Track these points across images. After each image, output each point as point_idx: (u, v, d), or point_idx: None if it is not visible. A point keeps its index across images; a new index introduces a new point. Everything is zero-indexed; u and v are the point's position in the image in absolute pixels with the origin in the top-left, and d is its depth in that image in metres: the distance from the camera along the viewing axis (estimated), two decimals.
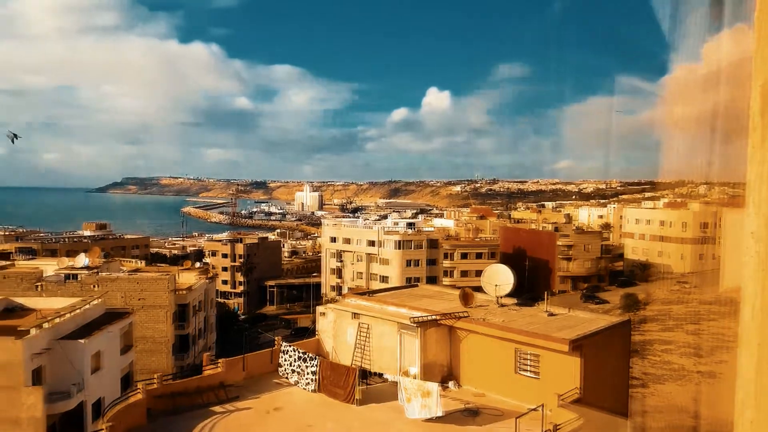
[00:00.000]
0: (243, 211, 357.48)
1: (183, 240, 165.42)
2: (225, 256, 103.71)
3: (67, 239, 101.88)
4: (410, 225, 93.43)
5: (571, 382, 19.97)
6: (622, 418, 20.16)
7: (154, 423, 20.68)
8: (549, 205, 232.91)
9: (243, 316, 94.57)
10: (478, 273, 28.97)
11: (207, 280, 62.26)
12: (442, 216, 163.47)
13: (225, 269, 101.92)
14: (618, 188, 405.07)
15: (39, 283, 48.73)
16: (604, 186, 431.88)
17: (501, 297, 26.63)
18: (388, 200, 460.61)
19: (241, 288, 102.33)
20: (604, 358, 22.10)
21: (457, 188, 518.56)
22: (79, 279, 50.40)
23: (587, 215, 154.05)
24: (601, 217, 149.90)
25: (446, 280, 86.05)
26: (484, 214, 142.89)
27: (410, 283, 59.87)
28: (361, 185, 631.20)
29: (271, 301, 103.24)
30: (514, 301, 26.81)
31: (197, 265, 78.17)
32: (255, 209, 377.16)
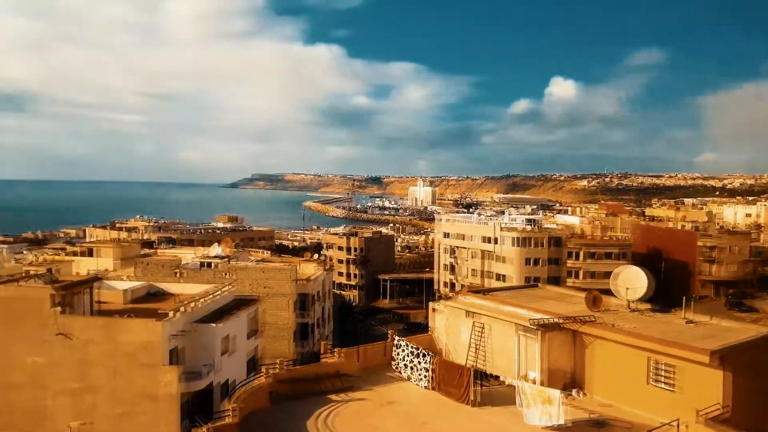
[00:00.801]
0: (358, 206, 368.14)
1: (304, 233, 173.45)
2: (341, 248, 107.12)
3: (202, 230, 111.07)
4: (530, 221, 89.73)
5: (712, 397, 18.43)
6: None
7: (277, 406, 21.61)
8: (689, 201, 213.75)
9: (358, 308, 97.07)
10: (607, 275, 27.09)
11: (325, 272, 64.54)
12: (566, 212, 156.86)
13: (341, 262, 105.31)
14: None
15: (178, 270, 53.33)
16: (753, 181, 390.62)
17: (633, 301, 24.83)
18: (505, 195, 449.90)
19: (357, 281, 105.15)
20: (753, 373, 19.85)
21: (584, 183, 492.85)
22: (212, 267, 54.41)
23: (733, 213, 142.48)
24: (749, 215, 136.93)
25: (570, 282, 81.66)
26: (614, 210, 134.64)
27: (530, 283, 57.59)
28: (477, 180, 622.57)
29: (384, 295, 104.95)
30: (648, 306, 24.92)
31: (316, 257, 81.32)
32: (370, 204, 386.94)
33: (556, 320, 22.24)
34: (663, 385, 20.01)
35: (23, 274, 37.05)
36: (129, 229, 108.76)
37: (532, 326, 21.97)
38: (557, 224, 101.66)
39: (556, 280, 75.23)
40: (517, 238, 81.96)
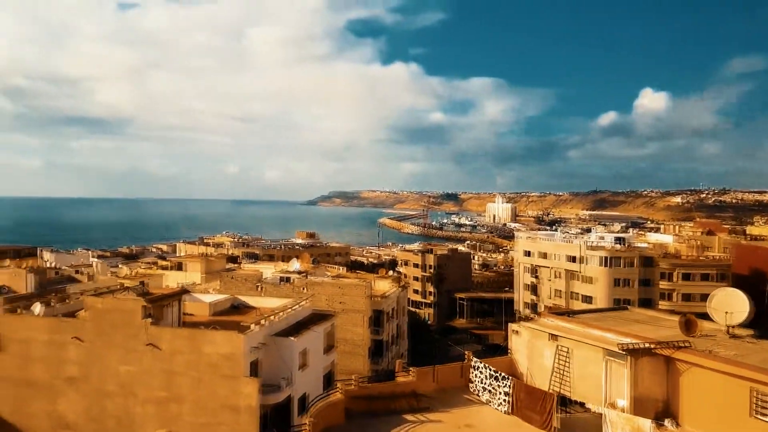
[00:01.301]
0: (434, 222, 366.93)
1: (378, 249, 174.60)
2: (416, 266, 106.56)
3: (282, 246, 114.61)
4: (619, 240, 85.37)
5: None
6: None
7: (351, 423, 21.50)
8: None
9: (433, 327, 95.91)
10: (704, 297, 25.22)
11: (400, 289, 64.32)
12: (658, 230, 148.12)
13: (416, 279, 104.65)
14: None
15: (259, 284, 55.01)
16: None
17: (733, 327, 22.75)
18: (592, 212, 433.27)
19: (432, 298, 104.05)
20: None
21: (678, 199, 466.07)
22: (291, 282, 55.75)
23: None
24: None
25: (663, 304, 76.90)
26: (711, 228, 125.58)
27: (618, 305, 54.69)
28: (560, 196, 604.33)
29: (461, 314, 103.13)
30: (751, 332, 22.73)
31: (391, 273, 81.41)
32: (445, 220, 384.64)
33: (647, 345, 20.79)
34: None
35: (118, 287, 39.43)
36: (216, 245, 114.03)
37: (620, 351, 20.66)
38: (649, 243, 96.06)
39: (647, 303, 70.92)
40: (605, 258, 78.10)
